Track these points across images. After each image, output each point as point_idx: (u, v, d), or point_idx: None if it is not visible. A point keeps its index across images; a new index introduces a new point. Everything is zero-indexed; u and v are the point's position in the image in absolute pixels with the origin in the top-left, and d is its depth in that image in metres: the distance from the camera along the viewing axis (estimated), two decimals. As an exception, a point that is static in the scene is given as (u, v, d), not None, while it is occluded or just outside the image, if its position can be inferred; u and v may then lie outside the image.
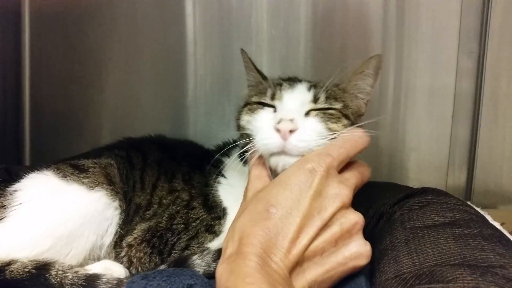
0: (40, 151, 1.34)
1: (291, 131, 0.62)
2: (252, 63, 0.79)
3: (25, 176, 0.76)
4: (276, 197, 0.58)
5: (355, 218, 0.60)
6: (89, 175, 0.75)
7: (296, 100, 0.69)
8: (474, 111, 1.19)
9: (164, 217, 0.76)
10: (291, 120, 0.63)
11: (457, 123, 1.20)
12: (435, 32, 1.18)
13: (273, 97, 0.71)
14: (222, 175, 0.81)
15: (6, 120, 1.30)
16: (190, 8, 1.24)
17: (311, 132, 0.63)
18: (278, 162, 0.64)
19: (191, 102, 1.28)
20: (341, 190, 0.59)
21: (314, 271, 0.56)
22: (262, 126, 0.67)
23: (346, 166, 0.64)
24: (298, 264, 0.55)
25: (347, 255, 0.58)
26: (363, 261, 0.59)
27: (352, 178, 0.62)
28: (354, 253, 0.59)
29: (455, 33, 1.16)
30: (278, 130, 0.62)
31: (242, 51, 0.80)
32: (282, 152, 0.63)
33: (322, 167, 0.59)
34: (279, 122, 0.63)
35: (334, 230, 0.58)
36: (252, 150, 0.66)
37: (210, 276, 0.64)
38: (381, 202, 0.80)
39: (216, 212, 0.76)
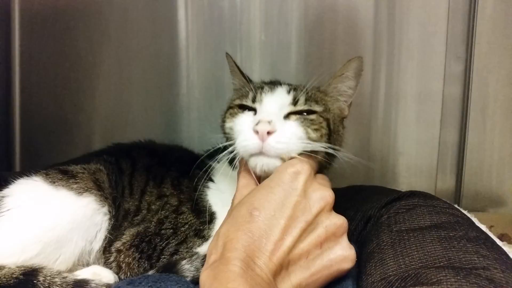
0: (30, 157, 1.33)
1: (269, 133, 0.63)
2: (237, 67, 0.80)
3: (13, 181, 0.76)
4: (260, 200, 0.58)
5: (339, 220, 0.60)
6: (78, 180, 0.75)
7: (275, 102, 0.70)
8: (462, 116, 1.21)
9: (153, 222, 0.76)
10: (269, 122, 0.64)
11: (446, 127, 1.21)
12: (423, 38, 1.19)
13: (254, 100, 0.72)
14: (211, 180, 0.81)
15: (-4, 126, 1.30)
16: (182, 14, 1.25)
17: (289, 135, 0.65)
18: (256, 162, 0.65)
19: (183, 107, 1.28)
20: (324, 191, 0.61)
21: (300, 275, 0.56)
22: (242, 129, 0.68)
23: None
24: (283, 267, 0.55)
25: (332, 257, 0.59)
26: (348, 264, 0.60)
27: (326, 182, 0.65)
28: (339, 256, 0.59)
29: (442, 38, 1.18)
30: (256, 132, 0.64)
31: (227, 55, 0.81)
32: (260, 153, 0.64)
33: (305, 169, 0.61)
34: (257, 124, 0.64)
35: (319, 232, 0.58)
36: (236, 154, 0.67)
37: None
38: (369, 206, 0.80)
39: (204, 216, 0.76)
